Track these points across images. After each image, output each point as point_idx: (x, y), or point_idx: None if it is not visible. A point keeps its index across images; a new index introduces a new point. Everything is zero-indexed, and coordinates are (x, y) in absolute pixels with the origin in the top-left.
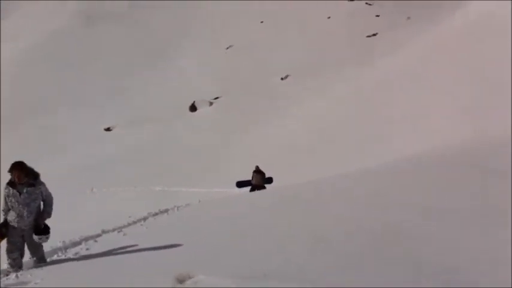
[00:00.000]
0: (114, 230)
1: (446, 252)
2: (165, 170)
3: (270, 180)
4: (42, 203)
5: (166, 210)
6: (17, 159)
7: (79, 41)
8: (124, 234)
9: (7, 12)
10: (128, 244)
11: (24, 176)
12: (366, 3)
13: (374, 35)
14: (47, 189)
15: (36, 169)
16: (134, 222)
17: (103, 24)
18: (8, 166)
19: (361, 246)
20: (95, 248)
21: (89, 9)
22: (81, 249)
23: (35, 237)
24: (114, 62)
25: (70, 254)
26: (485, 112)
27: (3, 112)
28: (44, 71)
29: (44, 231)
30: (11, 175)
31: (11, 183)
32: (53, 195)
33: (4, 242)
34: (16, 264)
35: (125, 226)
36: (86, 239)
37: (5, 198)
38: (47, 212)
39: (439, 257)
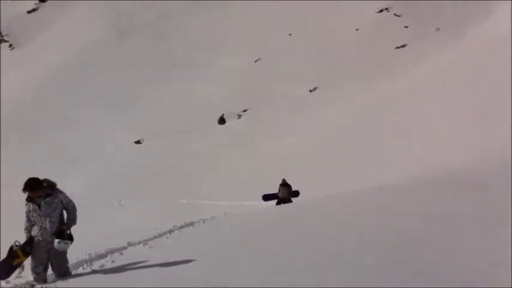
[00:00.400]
0: (139, 242)
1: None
2: (189, 181)
3: (296, 193)
4: (64, 211)
5: (192, 223)
6: (34, 172)
7: (110, 53)
8: (150, 247)
9: (44, 24)
10: (153, 257)
11: (38, 191)
12: (395, 14)
13: (403, 46)
14: (66, 197)
15: (59, 179)
16: (160, 235)
17: (133, 37)
18: (33, 174)
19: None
20: (121, 260)
21: (121, 22)
22: (107, 262)
23: (55, 241)
24: (142, 73)
25: (95, 266)
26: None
27: (28, 120)
28: (74, 81)
29: (68, 237)
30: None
31: (29, 198)
32: (78, 206)
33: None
34: (40, 278)
35: (150, 239)
36: (112, 252)
37: (27, 214)
38: (71, 218)
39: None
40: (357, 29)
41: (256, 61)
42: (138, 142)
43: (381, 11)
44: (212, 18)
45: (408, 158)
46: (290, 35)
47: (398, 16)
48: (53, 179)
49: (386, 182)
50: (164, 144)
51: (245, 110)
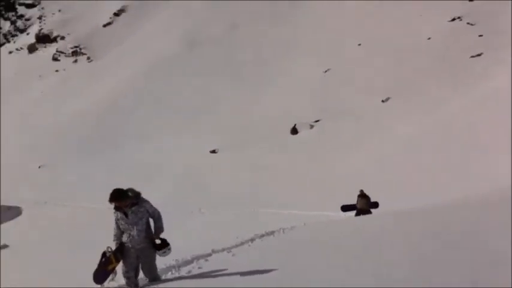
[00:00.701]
0: (223, 250)
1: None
2: (264, 190)
3: (375, 204)
4: (151, 220)
5: (272, 232)
6: (114, 181)
7: (182, 64)
8: (233, 255)
9: (119, 37)
10: (237, 264)
11: (124, 201)
12: (468, 23)
13: (478, 55)
14: (151, 206)
15: (141, 188)
16: (242, 243)
17: (204, 47)
18: (114, 185)
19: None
20: (206, 266)
21: (191, 33)
22: (193, 268)
23: (159, 253)
24: (214, 83)
25: (183, 272)
26: None
27: (105, 131)
28: (150, 90)
29: (164, 245)
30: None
31: (116, 208)
32: (162, 214)
33: (120, 263)
34: (132, 283)
35: (233, 246)
36: (198, 258)
37: (116, 222)
38: (158, 227)
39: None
40: (429, 38)
41: (326, 71)
42: (213, 152)
43: (453, 19)
44: (282, 28)
45: (476, 173)
46: (359, 44)
47: (471, 25)
48: (134, 188)
49: (451, 199)
50: (238, 154)
51: (317, 121)
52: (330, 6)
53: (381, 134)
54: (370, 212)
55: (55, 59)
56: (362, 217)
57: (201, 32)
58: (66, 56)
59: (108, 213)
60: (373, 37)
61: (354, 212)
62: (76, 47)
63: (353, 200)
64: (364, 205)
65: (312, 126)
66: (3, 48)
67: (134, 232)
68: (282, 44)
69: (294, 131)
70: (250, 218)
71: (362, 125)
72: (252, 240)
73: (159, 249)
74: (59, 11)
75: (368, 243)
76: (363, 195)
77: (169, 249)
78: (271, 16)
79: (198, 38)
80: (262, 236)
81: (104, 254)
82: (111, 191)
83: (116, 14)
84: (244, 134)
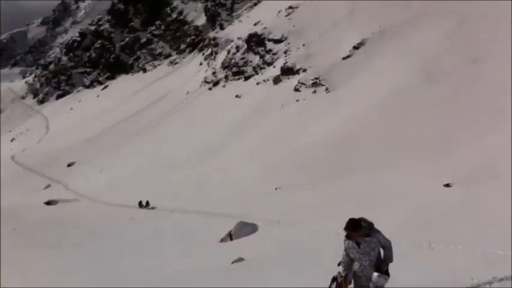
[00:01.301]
0: None
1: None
2: (500, 230)
3: None
4: (381, 249)
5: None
6: (345, 210)
7: (420, 95)
8: None
9: (357, 69)
10: None
11: (357, 231)
12: None
13: None
14: (383, 236)
15: (370, 217)
16: (478, 286)
17: (444, 80)
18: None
19: None
20: None
21: (428, 67)
22: None
23: (374, 275)
24: (451, 116)
25: None
26: None
27: (337, 162)
28: (385, 121)
29: (384, 272)
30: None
31: (348, 236)
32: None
33: None
34: None
35: None
36: None
37: (346, 250)
38: (388, 256)
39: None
40: None
41: None
42: (447, 185)
43: None
44: None
45: None
46: None
47: None
48: (361, 215)
49: None
50: (473, 190)
51: None
52: None
53: None
54: None
55: (296, 89)
56: None
57: (440, 64)
58: (306, 87)
59: (336, 238)
60: None
61: None
62: (316, 78)
63: None
64: None
65: None
66: (252, 79)
67: (366, 262)
68: None
69: None
70: (484, 259)
71: None
72: (490, 283)
73: (377, 271)
74: (303, 45)
75: None
76: None
77: (386, 278)
78: None
79: (437, 70)
80: (501, 280)
81: (334, 279)
82: (346, 221)
83: (356, 47)
84: (480, 170)
